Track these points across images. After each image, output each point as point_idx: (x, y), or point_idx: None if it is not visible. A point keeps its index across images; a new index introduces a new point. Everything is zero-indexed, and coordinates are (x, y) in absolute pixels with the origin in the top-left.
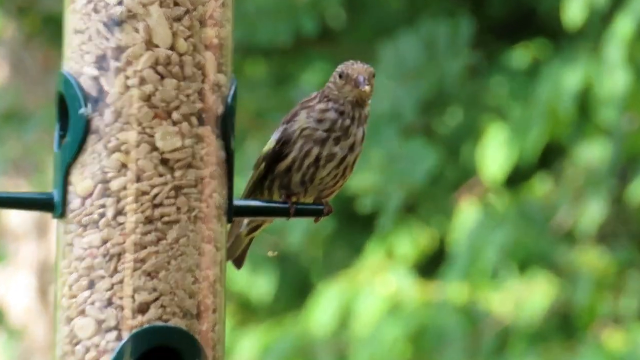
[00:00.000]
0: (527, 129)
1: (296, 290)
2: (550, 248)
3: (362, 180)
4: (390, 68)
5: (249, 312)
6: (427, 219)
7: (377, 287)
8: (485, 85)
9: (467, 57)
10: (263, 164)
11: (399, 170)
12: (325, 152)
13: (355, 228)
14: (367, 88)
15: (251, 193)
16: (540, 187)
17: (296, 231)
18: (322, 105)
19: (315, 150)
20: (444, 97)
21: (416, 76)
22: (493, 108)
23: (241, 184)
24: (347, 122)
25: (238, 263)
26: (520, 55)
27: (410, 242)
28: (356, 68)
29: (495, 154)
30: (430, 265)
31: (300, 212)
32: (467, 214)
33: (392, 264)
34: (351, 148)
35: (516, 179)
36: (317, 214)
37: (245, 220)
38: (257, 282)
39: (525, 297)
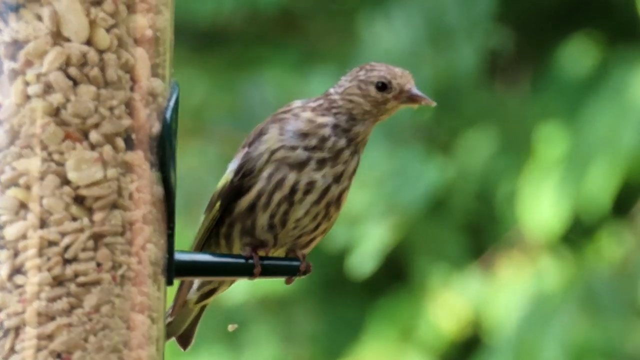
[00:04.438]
0: (588, 162)
1: None
2: (627, 339)
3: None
4: (377, 51)
5: None
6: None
7: None
8: (519, 94)
9: (490, 39)
10: (218, 204)
11: (387, 192)
12: (304, 179)
13: (346, 292)
14: (431, 102)
15: (203, 245)
16: (611, 247)
17: (240, 294)
18: (311, 115)
19: (290, 178)
20: (455, 98)
21: (415, 64)
22: (529, 125)
23: (185, 231)
24: (342, 143)
25: (184, 341)
26: (576, 53)
27: (425, 316)
28: (399, 74)
29: (542, 196)
30: (459, 353)
31: (269, 271)
32: (510, 284)
33: (404, 353)
34: (337, 178)
35: (574, 235)
36: (291, 272)
37: (196, 283)
38: None
39: None
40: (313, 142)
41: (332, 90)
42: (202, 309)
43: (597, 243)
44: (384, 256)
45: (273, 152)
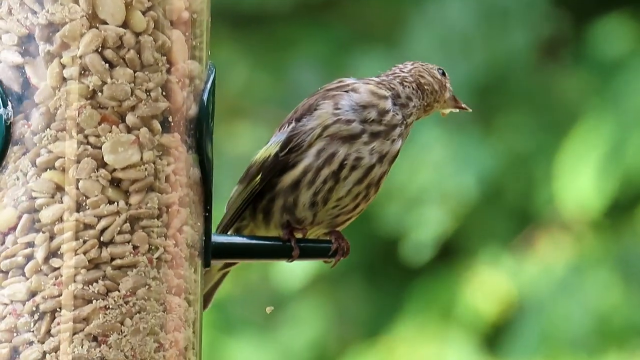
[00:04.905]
0: (628, 139)
1: None
2: None
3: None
4: (428, 34)
5: None
6: (493, 259)
7: None
8: (564, 74)
9: (543, 28)
10: (259, 177)
11: (439, 178)
12: (353, 154)
13: (386, 274)
14: (468, 108)
15: (236, 219)
16: None
17: (293, 274)
18: (374, 88)
19: (341, 153)
20: (507, 82)
21: (466, 49)
22: (576, 106)
23: (221, 213)
24: (398, 118)
25: (203, 303)
26: (617, 30)
27: (466, 296)
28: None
29: (582, 173)
30: (497, 331)
31: (307, 253)
32: (549, 262)
33: (445, 333)
34: (381, 159)
35: (614, 212)
36: (328, 254)
37: None
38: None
39: None
40: (372, 114)
41: (394, 71)
42: (224, 275)
43: (636, 219)
44: (440, 242)
45: (326, 127)
